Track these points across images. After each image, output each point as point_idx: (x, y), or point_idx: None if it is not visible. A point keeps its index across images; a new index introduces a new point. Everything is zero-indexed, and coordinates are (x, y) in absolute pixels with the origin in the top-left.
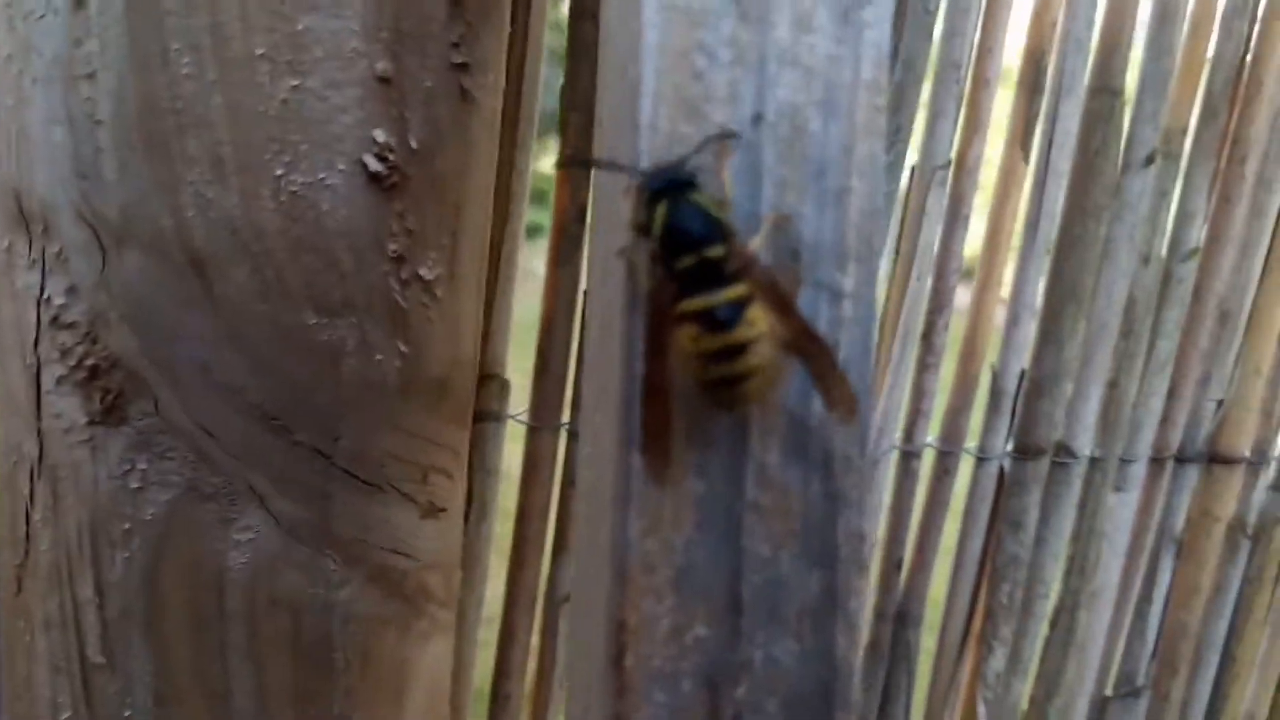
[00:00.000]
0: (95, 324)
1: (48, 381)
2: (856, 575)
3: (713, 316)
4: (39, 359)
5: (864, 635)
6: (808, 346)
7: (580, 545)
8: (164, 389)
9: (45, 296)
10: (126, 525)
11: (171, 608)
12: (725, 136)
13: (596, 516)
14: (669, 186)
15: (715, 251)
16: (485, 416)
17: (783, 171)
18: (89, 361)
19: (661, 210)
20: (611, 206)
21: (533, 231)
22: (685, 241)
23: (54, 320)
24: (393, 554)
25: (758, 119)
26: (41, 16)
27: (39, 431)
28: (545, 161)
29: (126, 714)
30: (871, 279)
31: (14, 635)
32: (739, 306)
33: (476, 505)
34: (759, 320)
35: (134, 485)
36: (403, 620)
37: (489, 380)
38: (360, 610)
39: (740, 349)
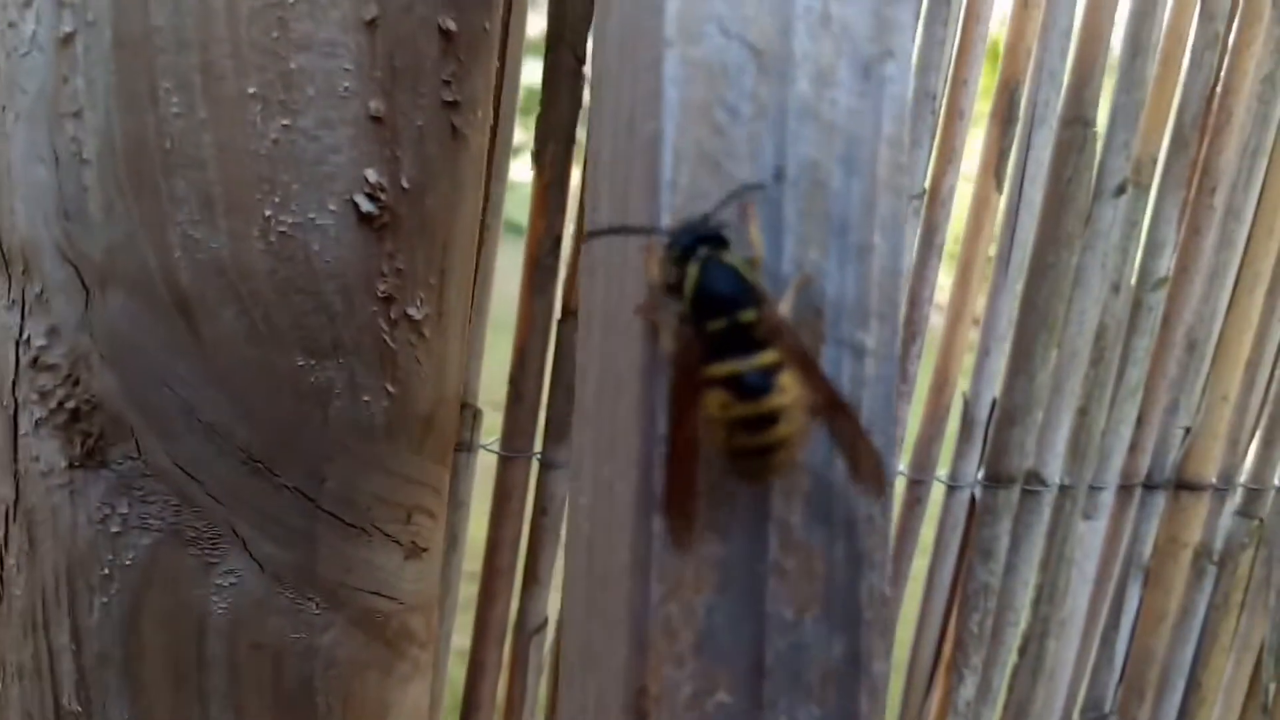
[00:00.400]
0: (76, 366)
1: (25, 424)
2: (880, 638)
3: (743, 383)
4: (16, 401)
5: None
6: (835, 415)
7: (575, 600)
8: (146, 432)
9: (24, 338)
10: (105, 570)
11: (150, 654)
12: (750, 189)
13: (606, 577)
14: (699, 244)
15: (748, 315)
16: (457, 446)
17: (804, 228)
18: (69, 404)
19: (693, 271)
20: (615, 253)
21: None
22: (718, 304)
23: (34, 362)
24: (376, 596)
25: (779, 174)
26: (26, 53)
27: (15, 475)
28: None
29: None
30: (894, 336)
31: None
32: (770, 373)
33: (447, 536)
34: (790, 388)
35: (114, 529)
36: (385, 663)
37: (461, 409)
38: (343, 654)
39: (771, 418)
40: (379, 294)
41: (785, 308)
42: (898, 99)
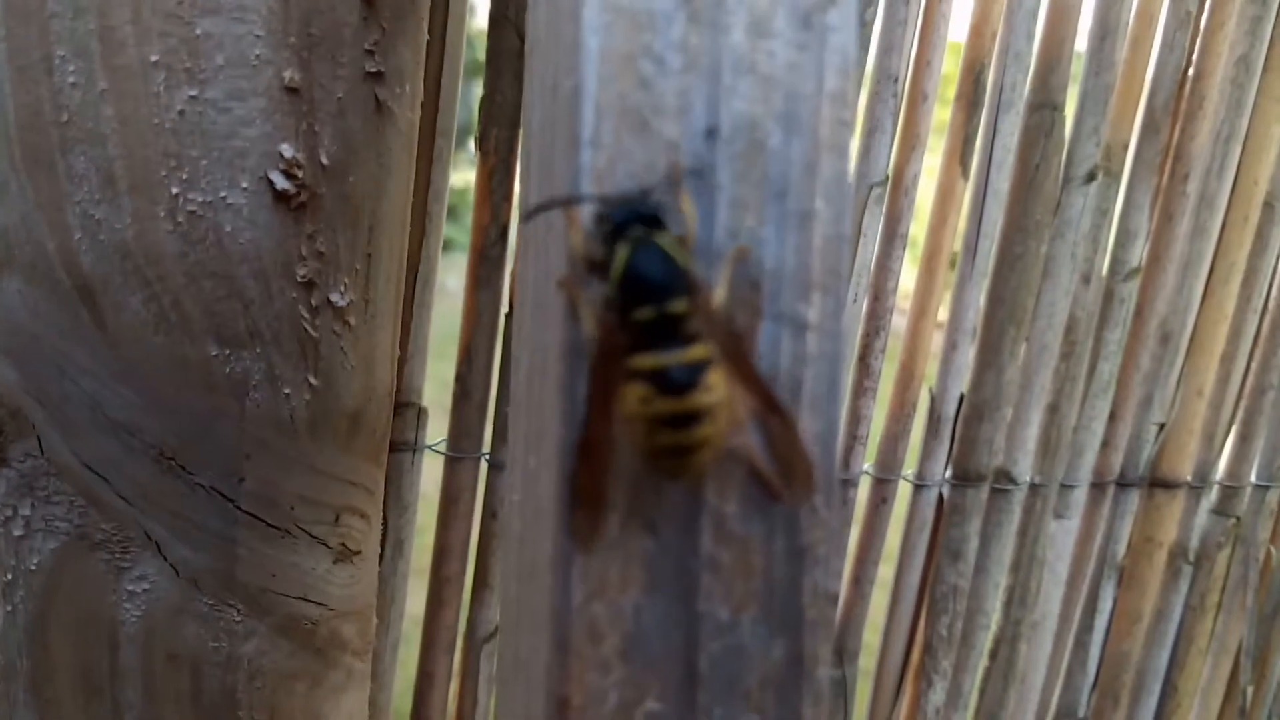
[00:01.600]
0: None
1: None
2: (825, 640)
3: (667, 377)
4: None
5: None
6: (768, 417)
7: (509, 603)
8: (49, 428)
9: None
10: (8, 576)
11: (59, 666)
12: (690, 173)
13: (530, 574)
14: (632, 222)
15: (678, 306)
16: (401, 447)
17: (740, 192)
18: None
19: (622, 252)
20: (542, 230)
21: (446, 245)
22: (647, 292)
23: None
24: (303, 602)
25: (711, 133)
26: None
27: None
28: (458, 176)
29: None
30: (838, 310)
31: None
32: (697, 369)
33: (392, 541)
34: (718, 386)
35: (16, 533)
36: (314, 673)
37: (404, 408)
38: (268, 664)
39: (694, 416)
40: (298, 279)
41: (721, 283)
42: (841, 51)
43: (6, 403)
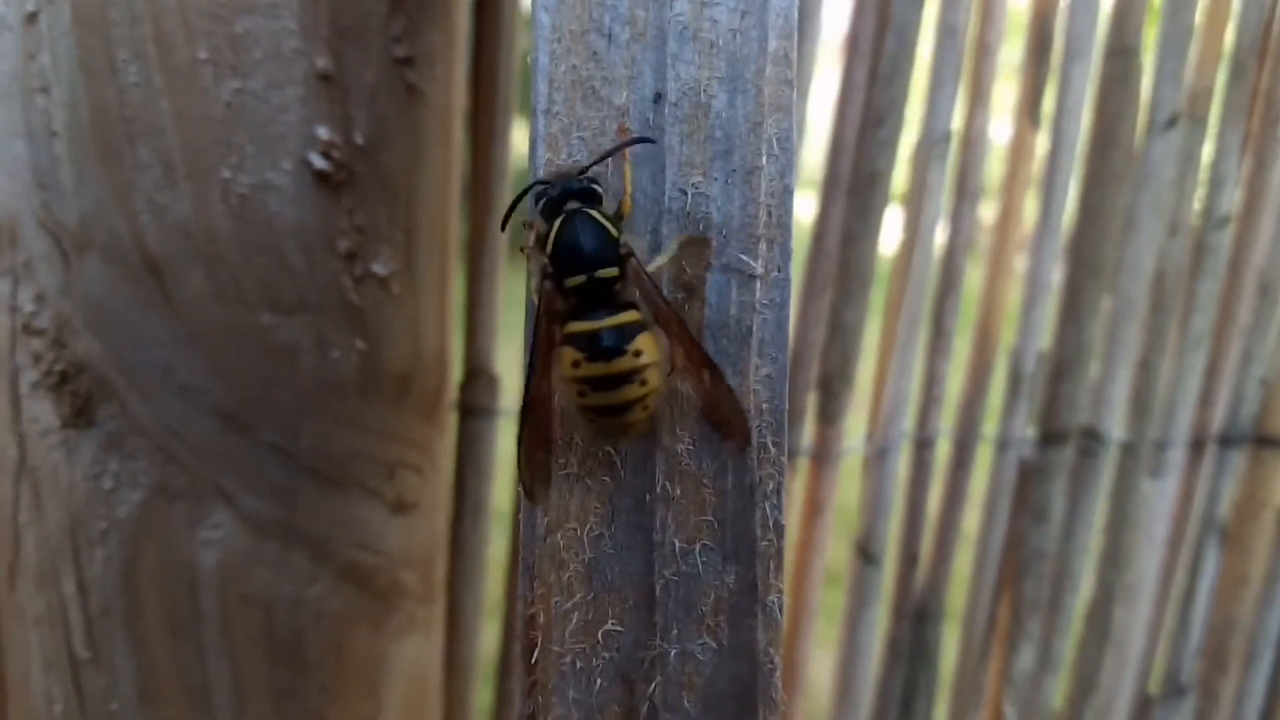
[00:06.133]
0: (62, 330)
1: (23, 386)
2: (776, 570)
3: (596, 343)
4: (15, 365)
5: (880, 632)
6: (702, 376)
7: None
8: (130, 392)
9: (17, 304)
10: (103, 524)
11: (149, 605)
12: (636, 142)
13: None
14: (566, 198)
15: (608, 272)
16: (478, 412)
17: (687, 151)
18: (58, 366)
19: (557, 225)
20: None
21: None
22: (576, 261)
23: (25, 327)
24: (361, 550)
25: (659, 98)
26: None
27: (19, 435)
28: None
29: (114, 707)
30: (785, 260)
31: (11, 631)
32: (626, 334)
33: (471, 502)
34: (648, 350)
35: (107, 485)
36: (375, 616)
37: (478, 375)
38: (331, 607)
39: (623, 379)
40: (341, 251)
41: (663, 264)
42: (782, 14)
43: (93, 370)
